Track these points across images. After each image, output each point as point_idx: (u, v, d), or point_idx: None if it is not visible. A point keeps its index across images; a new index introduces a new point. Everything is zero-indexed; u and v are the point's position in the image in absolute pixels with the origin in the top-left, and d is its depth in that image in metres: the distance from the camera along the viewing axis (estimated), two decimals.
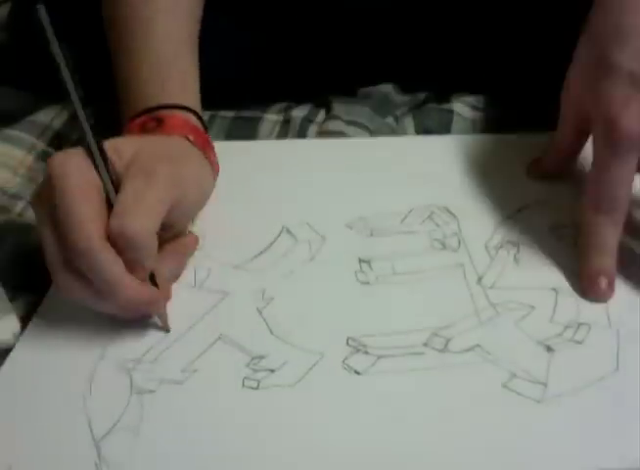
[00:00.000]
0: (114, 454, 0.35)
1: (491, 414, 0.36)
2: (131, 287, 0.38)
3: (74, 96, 0.38)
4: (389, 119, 0.61)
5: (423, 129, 0.60)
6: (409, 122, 0.62)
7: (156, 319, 0.42)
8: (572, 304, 0.42)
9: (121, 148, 0.41)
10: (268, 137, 0.60)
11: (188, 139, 0.47)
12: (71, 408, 0.37)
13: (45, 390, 0.38)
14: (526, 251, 0.46)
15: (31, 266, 0.44)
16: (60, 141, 0.57)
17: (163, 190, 0.40)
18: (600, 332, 0.40)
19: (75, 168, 0.38)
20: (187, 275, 0.45)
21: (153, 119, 0.47)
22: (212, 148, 0.50)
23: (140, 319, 0.41)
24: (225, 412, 0.37)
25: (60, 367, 0.39)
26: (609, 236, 0.42)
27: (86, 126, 0.39)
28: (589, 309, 0.42)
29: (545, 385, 0.37)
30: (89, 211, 0.38)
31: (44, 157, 0.56)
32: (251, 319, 0.42)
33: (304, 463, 0.34)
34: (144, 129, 0.47)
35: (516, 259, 0.45)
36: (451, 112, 0.60)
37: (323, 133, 0.60)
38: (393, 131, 0.60)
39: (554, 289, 0.43)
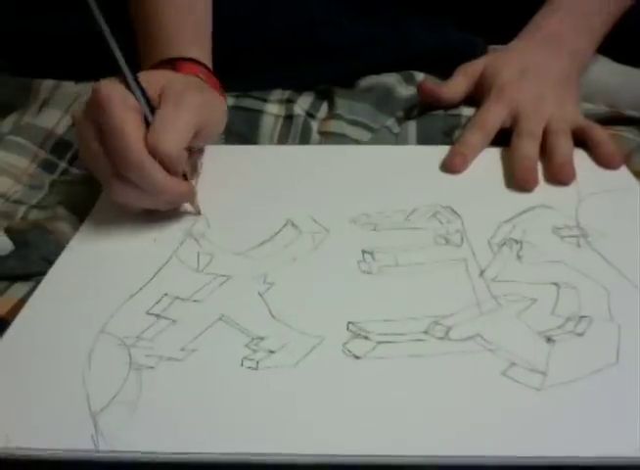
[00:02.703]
0: (111, 428, 0.34)
1: (489, 402, 0.36)
2: (173, 187, 0.47)
3: (107, 30, 0.45)
4: (391, 122, 0.61)
5: (424, 137, 0.60)
6: (412, 128, 0.62)
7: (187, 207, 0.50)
8: (574, 297, 0.42)
9: (152, 79, 0.49)
10: (271, 134, 0.61)
11: (199, 77, 0.54)
12: (70, 382, 0.37)
13: (44, 363, 0.38)
14: (529, 248, 0.46)
15: (28, 258, 0.47)
16: (62, 149, 0.59)
17: (191, 115, 0.48)
18: (601, 325, 0.40)
19: (119, 93, 0.45)
20: (191, 260, 0.45)
21: (167, 66, 0.55)
22: (222, 90, 0.57)
23: (176, 207, 0.50)
24: (223, 391, 0.36)
25: (60, 341, 0.39)
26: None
27: (121, 60, 0.46)
28: (591, 303, 0.42)
29: (545, 374, 0.37)
30: (136, 129, 0.45)
31: (45, 165, 0.58)
32: (252, 302, 0.42)
33: (301, 443, 0.34)
34: None
35: (519, 256, 0.46)
36: (458, 116, 0.61)
37: (325, 134, 0.60)
38: (396, 137, 0.60)
39: (556, 283, 0.43)
